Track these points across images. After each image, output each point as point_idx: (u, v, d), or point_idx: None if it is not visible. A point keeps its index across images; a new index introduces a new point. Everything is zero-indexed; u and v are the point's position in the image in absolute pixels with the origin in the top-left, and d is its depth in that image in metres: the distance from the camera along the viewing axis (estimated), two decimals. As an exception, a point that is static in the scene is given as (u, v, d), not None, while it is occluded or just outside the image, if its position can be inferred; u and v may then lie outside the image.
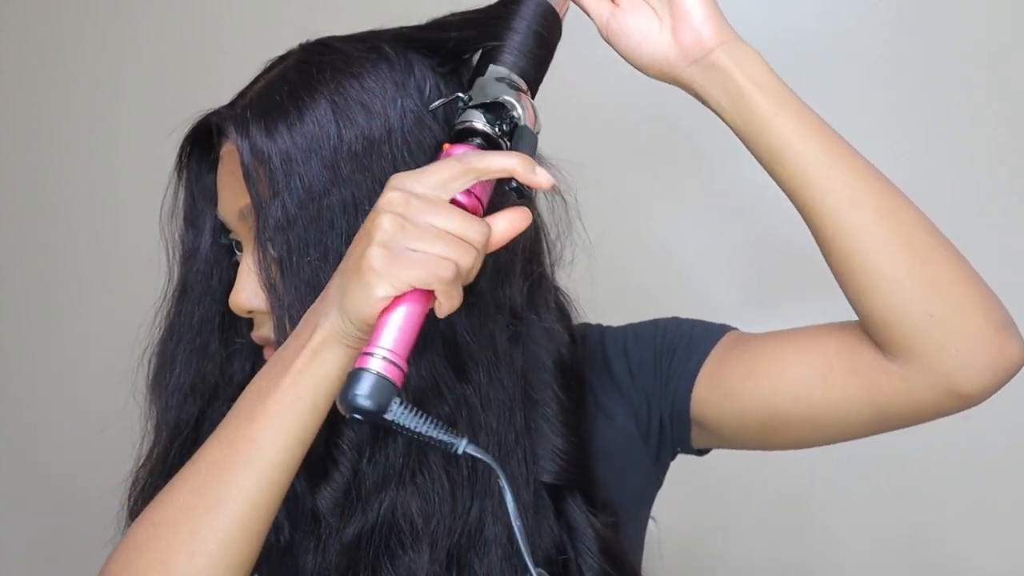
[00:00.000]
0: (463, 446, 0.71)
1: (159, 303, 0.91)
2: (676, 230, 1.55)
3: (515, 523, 0.71)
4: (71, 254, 1.89)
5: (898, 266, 0.78)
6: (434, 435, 0.70)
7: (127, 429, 0.94)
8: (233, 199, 0.83)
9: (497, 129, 0.75)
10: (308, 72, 0.81)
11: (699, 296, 1.54)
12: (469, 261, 0.69)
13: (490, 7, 0.83)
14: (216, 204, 0.86)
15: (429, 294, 0.69)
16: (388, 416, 0.68)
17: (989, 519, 1.53)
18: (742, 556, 1.59)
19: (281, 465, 0.72)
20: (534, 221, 0.89)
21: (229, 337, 0.91)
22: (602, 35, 0.85)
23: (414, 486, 0.81)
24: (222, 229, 0.88)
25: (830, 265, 0.82)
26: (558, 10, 0.83)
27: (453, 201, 0.71)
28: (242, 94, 0.84)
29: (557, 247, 0.91)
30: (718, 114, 0.82)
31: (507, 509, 0.71)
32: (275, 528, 0.84)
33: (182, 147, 0.88)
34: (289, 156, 0.78)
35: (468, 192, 0.72)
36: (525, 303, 0.88)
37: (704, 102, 0.83)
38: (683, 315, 0.97)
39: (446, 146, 0.75)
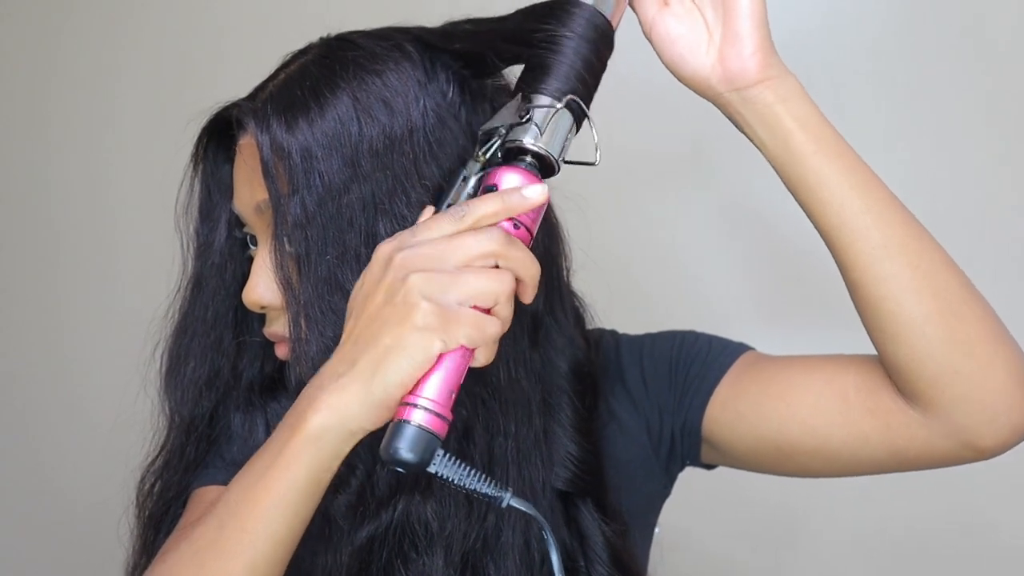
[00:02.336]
0: (508, 499, 0.70)
1: (172, 296, 0.91)
2: (692, 238, 1.54)
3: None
4: (75, 251, 1.88)
5: (928, 320, 0.76)
6: (478, 488, 0.69)
7: (131, 430, 0.94)
8: (250, 193, 0.82)
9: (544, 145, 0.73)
10: (330, 67, 0.80)
11: (712, 304, 1.52)
12: (508, 295, 0.68)
13: (530, 14, 0.79)
14: (231, 197, 0.85)
15: (470, 351, 0.68)
16: (431, 469, 0.67)
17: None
18: (742, 556, 1.59)
19: (277, 546, 0.70)
20: (553, 224, 0.89)
21: (242, 332, 0.90)
22: (644, 32, 0.82)
23: (429, 491, 0.80)
24: (236, 222, 0.87)
25: (855, 304, 0.80)
26: (612, 22, 0.78)
27: None
28: (261, 87, 0.83)
29: (573, 252, 0.91)
30: (753, 142, 0.80)
31: (550, 557, 0.71)
32: None
33: (199, 139, 0.87)
34: (309, 152, 0.77)
35: (511, 222, 0.71)
36: (544, 307, 0.87)
37: (740, 128, 0.80)
38: (696, 323, 0.96)
39: (494, 172, 0.73)
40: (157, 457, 0.92)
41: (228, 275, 0.89)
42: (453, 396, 0.68)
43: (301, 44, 0.86)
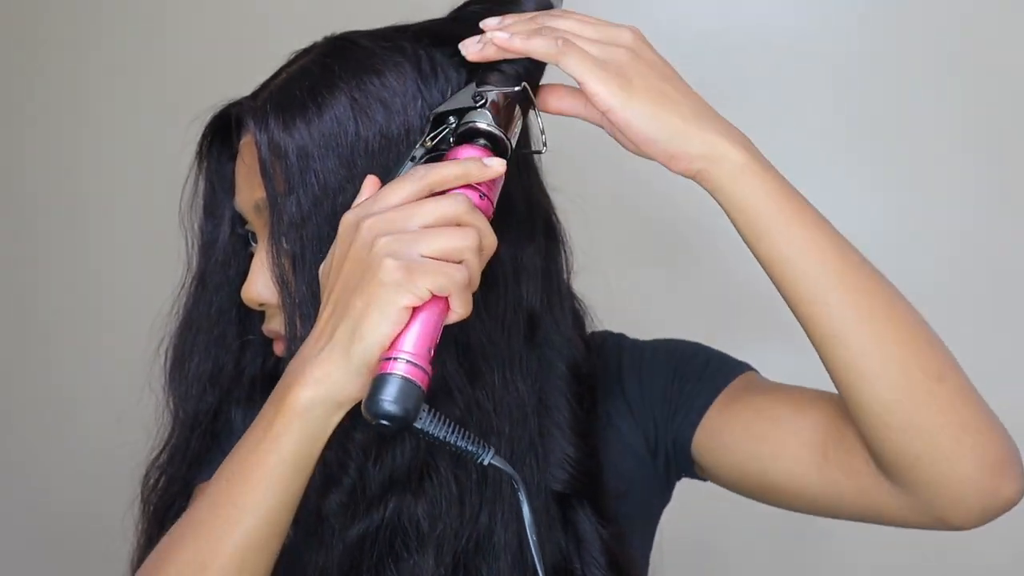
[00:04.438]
0: (488, 457, 0.70)
1: (176, 292, 0.91)
2: (694, 243, 1.53)
3: (531, 537, 0.71)
4: (77, 248, 1.87)
5: (887, 410, 0.74)
6: (460, 444, 0.69)
7: (136, 425, 0.94)
8: (250, 191, 0.82)
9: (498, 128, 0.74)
10: (330, 67, 0.80)
11: (714, 307, 1.52)
12: (474, 250, 0.69)
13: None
14: (235, 194, 0.86)
15: (442, 302, 0.68)
16: (417, 424, 0.66)
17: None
18: (743, 556, 1.59)
19: (270, 522, 0.71)
20: (553, 225, 0.89)
21: (245, 328, 0.91)
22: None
23: (421, 490, 0.81)
24: (239, 220, 0.88)
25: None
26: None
27: None
28: (264, 86, 0.84)
29: (574, 254, 0.91)
30: None
31: (523, 520, 0.71)
32: None
33: (202, 137, 0.88)
34: (306, 151, 0.77)
35: (476, 192, 0.72)
36: (543, 306, 0.87)
37: None
38: (695, 324, 0.96)
39: (453, 151, 0.75)
40: (161, 452, 0.92)
41: (232, 272, 0.89)
42: (432, 352, 0.68)
43: (307, 43, 0.86)
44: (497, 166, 0.72)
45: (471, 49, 0.77)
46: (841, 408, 0.81)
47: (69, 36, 1.81)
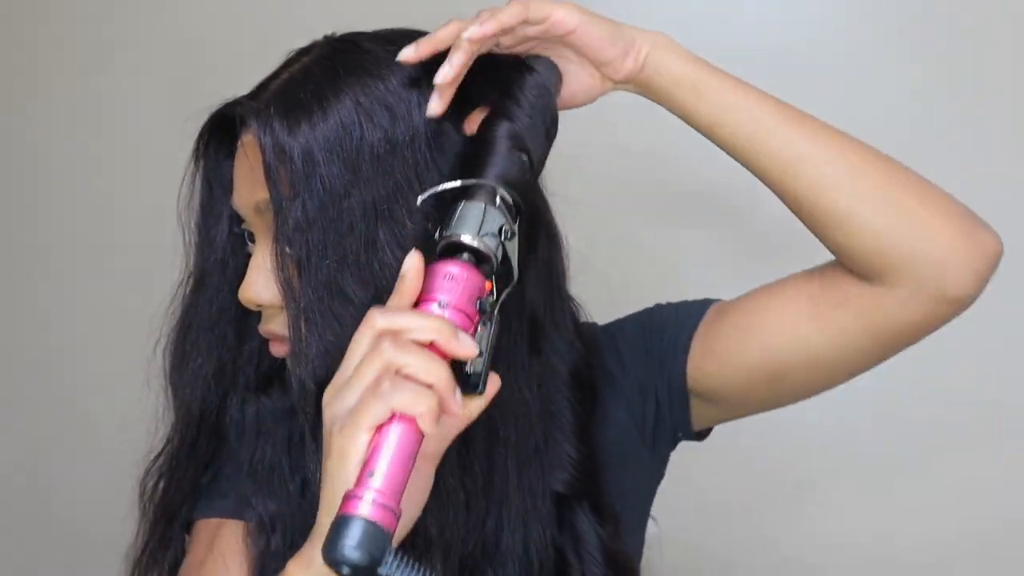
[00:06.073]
0: None
1: (174, 291, 0.91)
2: (691, 242, 1.54)
3: None
4: (75, 246, 1.87)
5: (859, 200, 0.81)
6: None
7: (139, 425, 0.94)
8: (250, 192, 0.82)
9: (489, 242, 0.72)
10: (334, 70, 0.79)
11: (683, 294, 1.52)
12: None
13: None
14: (232, 193, 0.85)
15: (413, 426, 0.65)
16: (382, 571, 0.61)
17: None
18: (743, 556, 1.59)
19: None
20: (552, 231, 0.89)
21: (244, 327, 0.90)
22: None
23: (428, 496, 0.79)
24: (236, 218, 0.87)
25: (793, 211, 0.85)
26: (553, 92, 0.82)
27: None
28: (264, 86, 0.83)
29: (570, 256, 0.91)
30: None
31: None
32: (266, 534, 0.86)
33: (200, 135, 0.87)
34: (311, 155, 0.76)
35: (455, 310, 0.69)
36: (545, 312, 0.87)
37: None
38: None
39: (436, 265, 0.71)
40: (160, 454, 0.92)
41: (230, 271, 0.89)
42: (402, 487, 0.63)
43: (304, 41, 0.85)
44: (465, 350, 0.69)
45: (415, 54, 0.78)
46: (812, 270, 0.88)
47: (64, 34, 1.80)
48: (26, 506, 1.94)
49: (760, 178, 0.85)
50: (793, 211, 0.85)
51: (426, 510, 0.78)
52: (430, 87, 0.77)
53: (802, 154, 0.82)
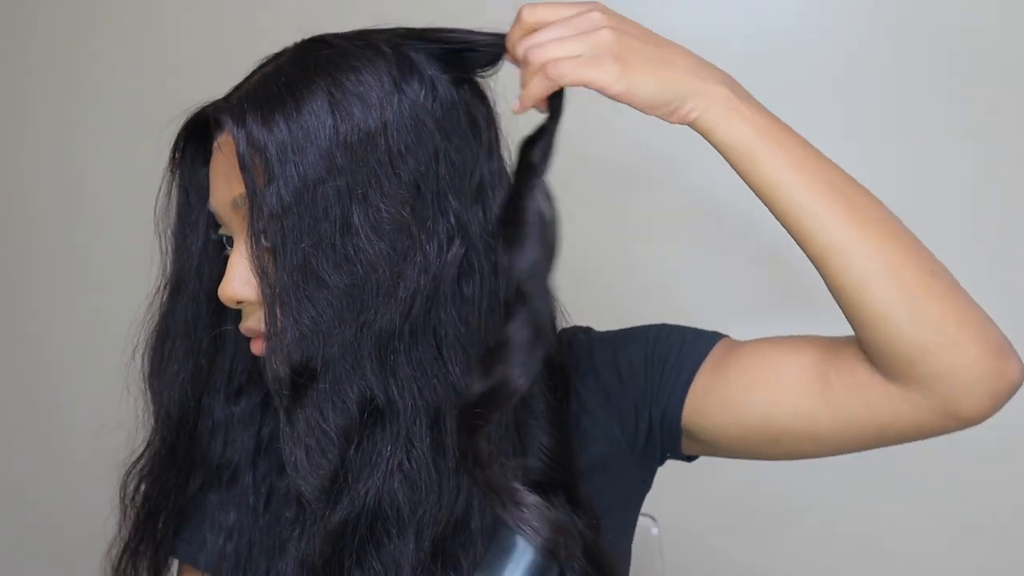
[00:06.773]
0: None
1: (151, 298, 0.92)
2: (665, 236, 1.54)
3: None
4: (51, 253, 1.88)
5: (892, 303, 0.78)
6: None
7: (119, 431, 0.95)
8: (227, 188, 0.83)
9: None
10: (305, 65, 0.82)
11: (680, 301, 1.51)
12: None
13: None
14: (209, 197, 0.87)
15: None
16: None
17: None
18: (743, 555, 1.57)
19: None
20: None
21: (219, 334, 0.92)
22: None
23: (401, 474, 0.81)
24: (214, 225, 0.89)
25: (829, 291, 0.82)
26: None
27: None
28: (237, 88, 0.85)
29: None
30: None
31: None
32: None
33: (176, 141, 0.89)
34: (285, 145, 0.78)
35: None
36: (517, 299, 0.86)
37: None
38: (667, 319, 0.96)
39: None
40: (140, 457, 0.93)
41: (206, 277, 0.90)
42: None
43: (279, 48, 0.87)
44: None
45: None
46: (829, 339, 0.86)
47: (56, 39, 1.82)
48: (5, 508, 1.95)
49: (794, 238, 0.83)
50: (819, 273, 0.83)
51: (401, 488, 0.80)
52: (401, 76, 0.80)
53: (840, 247, 0.79)
